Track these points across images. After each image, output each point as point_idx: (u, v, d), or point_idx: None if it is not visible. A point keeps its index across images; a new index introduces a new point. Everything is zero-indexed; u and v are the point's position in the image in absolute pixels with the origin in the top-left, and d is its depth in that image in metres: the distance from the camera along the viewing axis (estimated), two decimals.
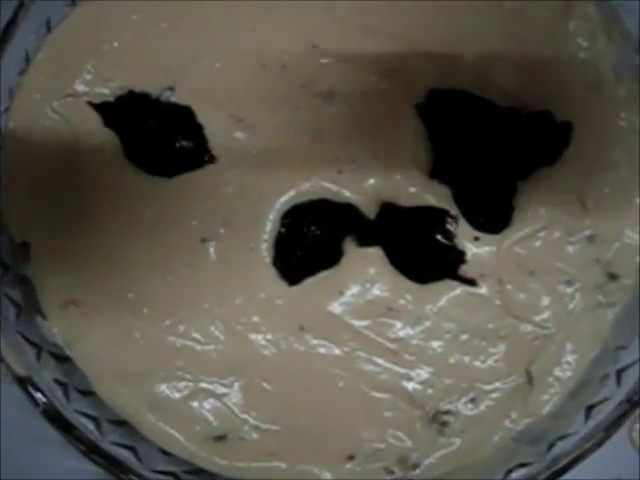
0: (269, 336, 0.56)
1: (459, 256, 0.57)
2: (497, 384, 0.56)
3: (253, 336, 0.56)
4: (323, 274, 0.57)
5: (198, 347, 0.56)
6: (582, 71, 0.59)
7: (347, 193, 0.58)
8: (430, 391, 0.56)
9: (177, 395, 0.56)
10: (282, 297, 0.57)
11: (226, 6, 0.59)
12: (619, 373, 0.55)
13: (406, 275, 0.57)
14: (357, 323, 0.56)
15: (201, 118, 0.59)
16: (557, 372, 0.56)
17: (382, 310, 0.57)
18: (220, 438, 0.55)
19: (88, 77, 0.59)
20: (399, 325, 0.56)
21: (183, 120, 0.59)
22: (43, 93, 0.59)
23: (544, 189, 0.58)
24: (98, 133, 0.58)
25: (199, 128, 0.58)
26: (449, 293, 0.57)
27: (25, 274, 0.57)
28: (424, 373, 0.56)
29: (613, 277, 0.58)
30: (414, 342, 0.56)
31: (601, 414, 0.54)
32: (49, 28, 0.59)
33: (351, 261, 0.57)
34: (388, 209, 0.58)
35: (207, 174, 0.58)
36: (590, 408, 0.54)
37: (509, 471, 0.54)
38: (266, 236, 0.57)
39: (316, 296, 0.57)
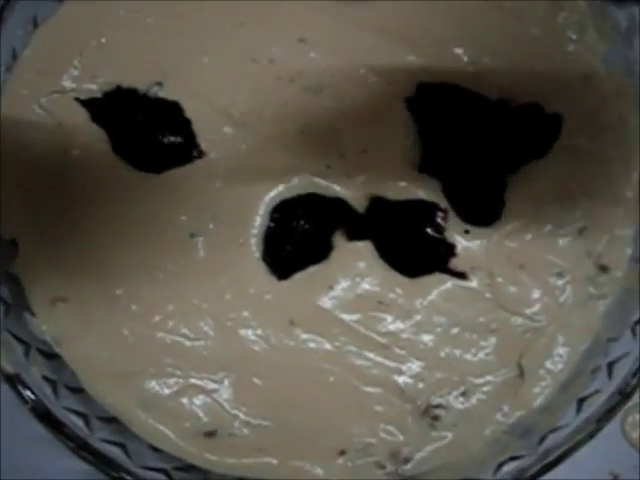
0: (259, 331, 0.56)
1: (449, 249, 0.57)
2: (488, 377, 0.56)
3: (243, 331, 0.56)
4: (313, 269, 0.57)
5: (188, 343, 0.56)
6: (572, 64, 0.59)
7: (336, 187, 0.58)
8: (421, 385, 0.56)
9: (167, 391, 0.55)
10: (272, 292, 0.56)
11: (215, 1, 0.59)
12: (610, 365, 0.55)
13: (396, 269, 0.57)
14: (347, 317, 0.56)
15: (189, 113, 0.58)
16: (548, 365, 0.56)
17: (372, 304, 0.56)
18: (210, 434, 0.55)
19: (75, 73, 0.59)
20: (390, 319, 0.56)
21: (171, 115, 0.58)
22: (30, 90, 0.58)
23: (534, 182, 0.58)
24: (86, 129, 0.58)
25: (187, 123, 0.58)
26: (439, 287, 0.57)
27: (13, 272, 0.57)
28: (415, 367, 0.56)
29: (604, 269, 0.58)
30: (405, 336, 0.56)
31: (592, 406, 0.54)
32: (36, 24, 0.59)
33: (341, 255, 0.57)
34: (378, 203, 0.58)
35: (196, 169, 0.58)
36: (581, 400, 0.54)
37: (500, 464, 0.53)
38: (255, 231, 0.57)
39: (306, 291, 0.56)
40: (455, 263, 0.57)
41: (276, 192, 0.57)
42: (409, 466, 0.55)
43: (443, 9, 0.59)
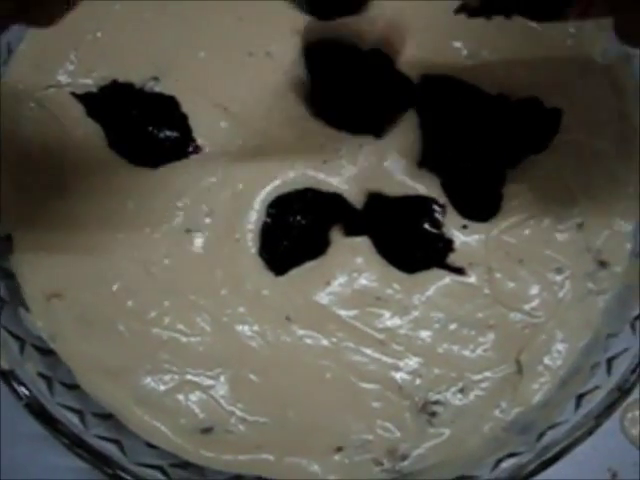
0: (255, 327, 0.55)
1: (447, 245, 0.57)
2: (486, 373, 0.55)
3: (239, 327, 0.55)
4: (310, 264, 0.56)
5: (184, 339, 0.55)
6: (571, 57, 0.59)
7: (333, 182, 0.57)
8: (419, 381, 0.55)
9: (163, 388, 0.55)
10: (268, 288, 0.56)
11: None
12: (610, 361, 0.54)
13: (394, 264, 0.57)
14: (344, 313, 0.56)
15: (185, 108, 0.58)
16: (547, 361, 0.56)
17: (370, 300, 0.56)
18: (206, 431, 0.54)
19: (71, 68, 0.58)
20: (387, 315, 0.56)
21: (167, 110, 0.58)
22: (26, 84, 0.58)
23: (533, 177, 0.58)
24: (82, 124, 0.58)
25: (184, 118, 0.58)
26: (437, 282, 0.56)
27: (8, 267, 0.56)
28: (413, 363, 0.55)
29: (603, 265, 0.57)
30: (402, 332, 0.56)
31: (591, 403, 0.53)
32: None
33: (338, 251, 0.57)
34: (375, 198, 0.57)
35: (192, 164, 0.57)
36: (580, 397, 0.54)
37: (499, 461, 0.53)
38: (252, 226, 0.57)
39: (303, 286, 0.56)
40: (453, 259, 0.57)
41: (272, 187, 0.57)
42: (406, 463, 0.55)
43: (442, 2, 0.59)
